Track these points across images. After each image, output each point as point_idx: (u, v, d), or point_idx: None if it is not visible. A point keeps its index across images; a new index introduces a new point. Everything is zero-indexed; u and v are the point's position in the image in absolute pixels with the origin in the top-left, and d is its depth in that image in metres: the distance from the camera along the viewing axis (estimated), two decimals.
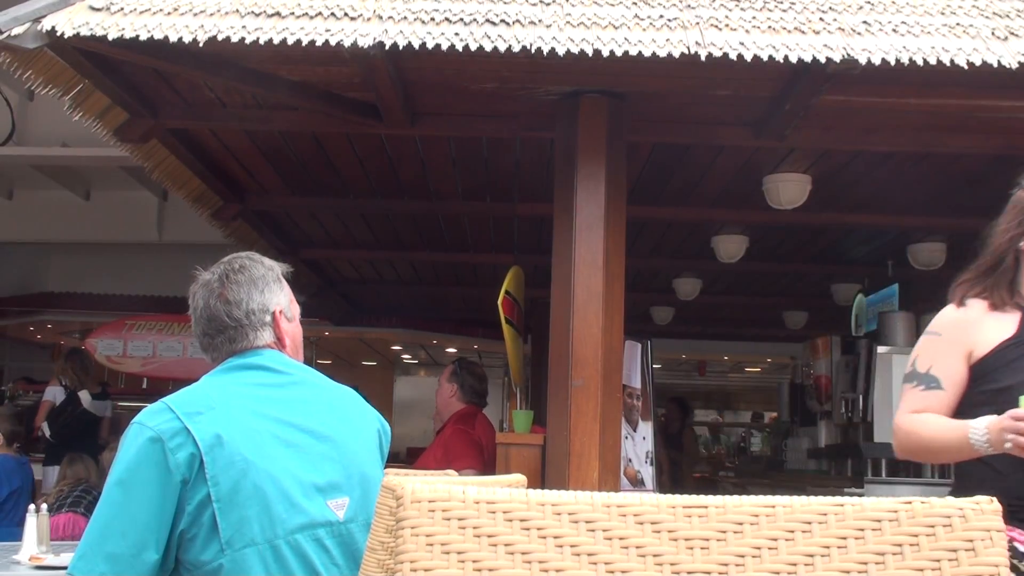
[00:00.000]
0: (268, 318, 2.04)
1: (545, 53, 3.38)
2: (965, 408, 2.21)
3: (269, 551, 1.78)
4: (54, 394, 7.69)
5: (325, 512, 1.87)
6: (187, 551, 1.77)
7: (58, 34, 3.35)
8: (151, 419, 1.81)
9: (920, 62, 3.39)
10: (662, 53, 3.40)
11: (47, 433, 7.45)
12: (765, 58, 3.39)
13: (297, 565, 1.81)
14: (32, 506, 3.14)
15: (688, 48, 3.39)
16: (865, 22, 3.57)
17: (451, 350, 12.66)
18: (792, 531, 0.97)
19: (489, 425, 5.21)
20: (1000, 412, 2.04)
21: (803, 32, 3.51)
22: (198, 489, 1.75)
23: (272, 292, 2.06)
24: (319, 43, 3.37)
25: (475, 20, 3.48)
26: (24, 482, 5.88)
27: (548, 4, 3.61)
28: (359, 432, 2.04)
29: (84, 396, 7.62)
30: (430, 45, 3.37)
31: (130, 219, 9.68)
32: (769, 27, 3.52)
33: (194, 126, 4.92)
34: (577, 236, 3.99)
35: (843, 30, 3.52)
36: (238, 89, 4.29)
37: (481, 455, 4.89)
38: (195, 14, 3.45)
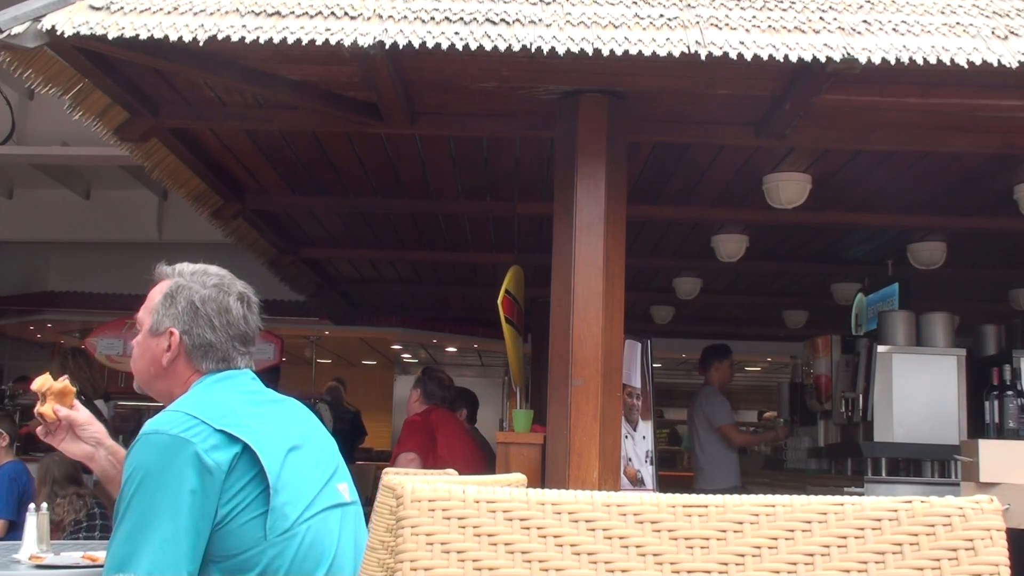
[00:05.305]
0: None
1: (545, 52, 3.38)
2: None
3: (307, 532, 1.84)
4: None
5: (338, 495, 1.98)
6: (216, 546, 1.78)
7: (58, 33, 3.35)
8: (174, 427, 1.80)
9: (920, 61, 3.38)
10: (662, 52, 3.40)
11: None
12: (765, 57, 3.39)
13: (324, 543, 1.88)
14: (32, 505, 3.13)
15: (688, 47, 3.39)
16: (865, 21, 3.57)
17: (451, 350, 12.65)
18: (792, 530, 0.97)
19: (450, 416, 5.58)
20: None
21: (803, 31, 3.50)
22: (234, 486, 1.78)
23: None
24: (319, 42, 3.37)
25: (475, 19, 3.48)
26: (28, 486, 5.87)
27: (548, 3, 3.61)
28: (325, 433, 2.15)
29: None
30: (430, 44, 3.37)
31: (130, 219, 9.68)
32: (769, 26, 3.52)
33: (194, 126, 4.91)
34: (577, 236, 3.99)
35: (843, 29, 3.52)
36: (238, 89, 4.29)
37: (419, 437, 5.24)
38: (195, 13, 3.45)
